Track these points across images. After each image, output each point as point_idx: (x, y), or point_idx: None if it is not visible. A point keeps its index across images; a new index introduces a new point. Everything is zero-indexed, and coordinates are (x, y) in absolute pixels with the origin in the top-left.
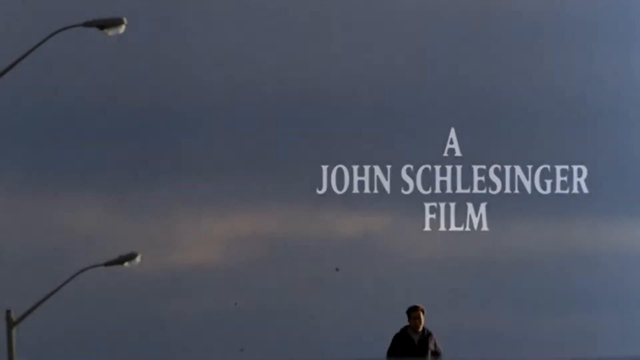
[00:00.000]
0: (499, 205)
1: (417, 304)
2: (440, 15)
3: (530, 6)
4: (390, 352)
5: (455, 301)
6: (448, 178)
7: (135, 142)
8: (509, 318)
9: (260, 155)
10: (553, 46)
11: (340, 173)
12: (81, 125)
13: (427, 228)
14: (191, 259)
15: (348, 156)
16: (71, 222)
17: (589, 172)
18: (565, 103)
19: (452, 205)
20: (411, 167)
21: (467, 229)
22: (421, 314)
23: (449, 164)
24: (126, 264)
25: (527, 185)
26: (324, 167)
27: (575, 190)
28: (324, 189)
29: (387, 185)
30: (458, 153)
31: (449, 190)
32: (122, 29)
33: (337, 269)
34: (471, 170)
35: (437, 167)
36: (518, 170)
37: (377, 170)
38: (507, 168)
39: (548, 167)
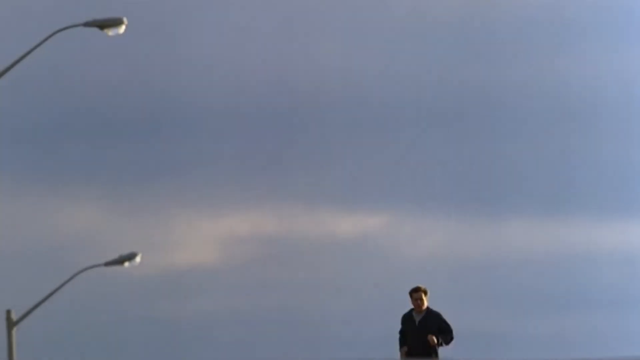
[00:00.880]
0: (498, 205)
1: (419, 285)
2: (440, 16)
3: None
4: (400, 332)
5: (455, 301)
6: (447, 177)
7: (134, 143)
8: (509, 318)
9: (259, 156)
10: (553, 46)
11: (339, 173)
12: (81, 125)
13: (425, 228)
14: (190, 258)
15: (347, 156)
16: (71, 222)
17: (588, 172)
18: (565, 104)
19: (452, 205)
20: (410, 167)
21: (466, 228)
22: (423, 295)
23: (448, 164)
24: (126, 264)
25: (527, 185)
26: (323, 167)
27: (574, 190)
28: (323, 189)
29: (385, 185)
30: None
31: (448, 190)
32: (122, 29)
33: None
34: (471, 170)
35: (437, 167)
36: (518, 170)
37: (376, 170)
38: (507, 168)
39: (547, 167)
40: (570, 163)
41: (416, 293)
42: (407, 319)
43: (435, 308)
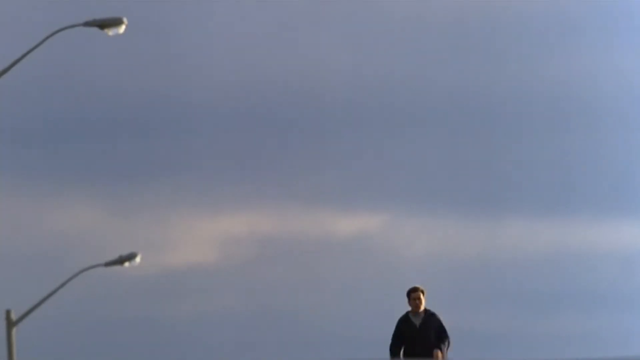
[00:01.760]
0: (497, 205)
1: (416, 285)
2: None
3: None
4: (394, 337)
5: (454, 301)
6: (447, 178)
7: (133, 142)
8: (508, 318)
9: (257, 156)
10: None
11: (337, 173)
12: (81, 125)
13: (424, 227)
14: (188, 259)
15: (345, 156)
16: (70, 223)
17: (587, 172)
18: (564, 103)
19: (450, 204)
20: (409, 166)
21: (465, 228)
22: (421, 294)
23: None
24: (126, 264)
25: (525, 184)
26: (321, 167)
27: (573, 189)
28: (321, 189)
29: (384, 185)
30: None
31: (447, 189)
32: (122, 28)
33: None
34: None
35: (435, 167)
36: (516, 170)
37: (374, 170)
38: (505, 168)
39: (546, 167)
40: (569, 163)
41: (414, 293)
42: (404, 322)
43: (433, 308)
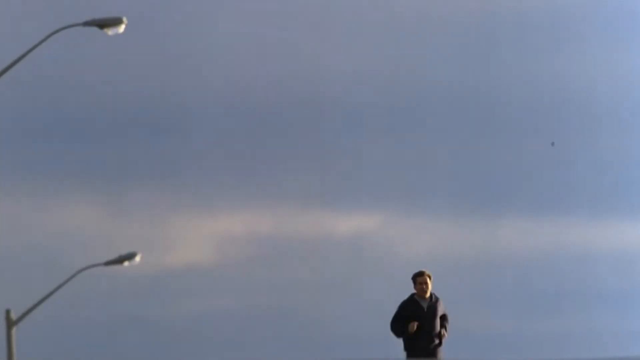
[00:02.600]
0: (494, 205)
1: (423, 269)
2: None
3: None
4: (396, 320)
5: (452, 301)
6: (445, 177)
7: (131, 142)
8: (506, 318)
9: (254, 156)
10: (551, 47)
11: (334, 173)
12: (81, 125)
13: (421, 227)
14: (185, 258)
15: (342, 156)
16: (70, 222)
17: (584, 172)
18: (562, 103)
19: (447, 204)
20: (406, 166)
21: (462, 228)
22: (428, 279)
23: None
24: (126, 263)
25: (523, 184)
26: (318, 167)
27: (571, 189)
28: (318, 189)
29: (381, 185)
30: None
31: (444, 189)
32: (122, 28)
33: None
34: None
35: (432, 167)
36: (514, 169)
37: (372, 170)
38: (503, 168)
39: (544, 166)
40: (567, 162)
41: (421, 277)
42: (410, 304)
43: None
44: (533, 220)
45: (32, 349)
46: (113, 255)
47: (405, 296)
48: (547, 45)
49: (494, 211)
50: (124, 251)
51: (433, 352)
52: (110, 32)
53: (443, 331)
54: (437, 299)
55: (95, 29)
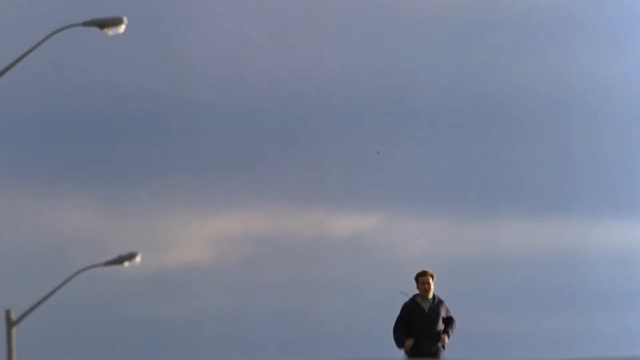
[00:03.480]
0: (493, 205)
1: (426, 269)
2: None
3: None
4: (398, 323)
5: (450, 301)
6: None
7: (129, 142)
8: (505, 318)
9: (252, 156)
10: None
11: (332, 173)
12: (80, 125)
13: (419, 227)
14: (182, 258)
15: (340, 156)
16: (69, 222)
17: (582, 171)
18: (560, 103)
19: (446, 204)
20: (404, 166)
21: (461, 228)
22: (430, 279)
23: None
24: (126, 263)
25: (521, 184)
26: (316, 167)
27: (569, 189)
28: (316, 189)
29: (379, 185)
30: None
31: (442, 189)
32: (122, 28)
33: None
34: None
35: (430, 166)
36: (512, 169)
37: (370, 169)
38: (501, 168)
39: (542, 166)
40: (565, 162)
41: (423, 277)
42: (411, 306)
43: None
44: (532, 220)
45: (32, 349)
46: (112, 255)
47: (398, 295)
48: (547, 45)
49: (493, 211)
50: (121, 251)
51: (434, 354)
52: (110, 32)
53: (444, 337)
54: (440, 301)
55: (95, 29)
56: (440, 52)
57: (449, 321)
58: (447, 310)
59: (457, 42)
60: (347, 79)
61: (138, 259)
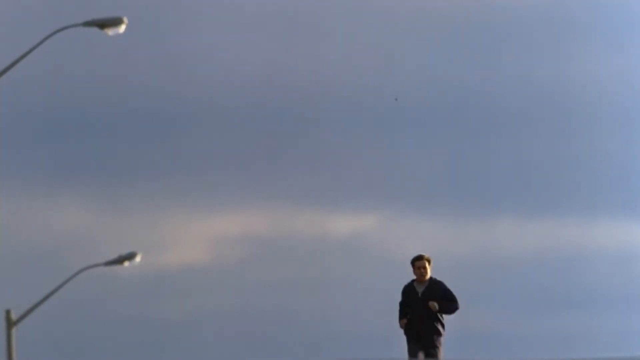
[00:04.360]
0: (491, 205)
1: (422, 254)
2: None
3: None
4: (400, 305)
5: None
6: (440, 177)
7: (128, 143)
8: (503, 317)
9: (250, 156)
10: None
11: (330, 173)
12: (80, 126)
13: (417, 227)
14: (181, 259)
15: (338, 156)
16: (69, 223)
17: (579, 171)
18: (559, 103)
19: (443, 204)
20: (401, 166)
21: (458, 228)
22: (427, 263)
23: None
24: (126, 263)
25: (518, 184)
26: (314, 167)
27: (567, 188)
28: (314, 189)
29: (377, 185)
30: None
31: (440, 189)
32: (122, 28)
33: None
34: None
35: (428, 166)
36: (510, 169)
37: (367, 169)
38: (499, 167)
39: (540, 166)
40: (564, 161)
41: (419, 261)
42: (408, 290)
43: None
44: (530, 220)
45: (32, 349)
46: (112, 255)
47: (398, 294)
48: (544, 43)
49: (491, 211)
50: (119, 251)
51: (429, 338)
52: (110, 32)
53: (432, 303)
54: (435, 283)
55: (95, 29)
56: (439, 52)
57: (447, 300)
58: (446, 292)
59: (455, 41)
60: (346, 79)
61: (138, 259)
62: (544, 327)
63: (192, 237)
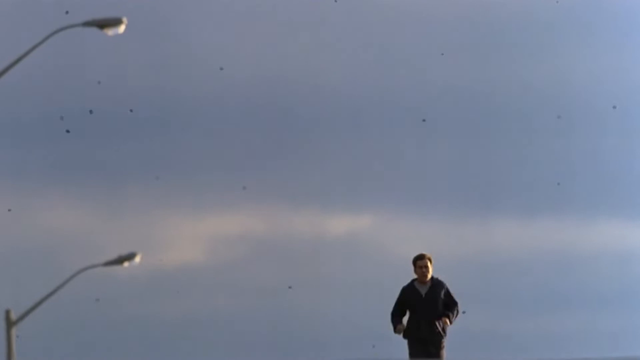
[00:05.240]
0: (488, 205)
1: (423, 253)
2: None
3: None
4: (395, 307)
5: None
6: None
7: (127, 143)
8: (501, 318)
9: (247, 156)
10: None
11: (327, 173)
12: (79, 126)
13: (415, 227)
14: (178, 258)
15: (335, 156)
16: (69, 223)
17: (578, 171)
18: (557, 103)
19: (441, 204)
20: (399, 166)
21: (456, 228)
22: (428, 262)
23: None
24: (126, 263)
25: (516, 184)
26: (311, 167)
27: (564, 189)
28: (311, 189)
29: (375, 184)
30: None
31: (438, 189)
32: (122, 28)
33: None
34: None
35: (426, 167)
36: (508, 169)
37: (365, 169)
38: (497, 168)
39: (539, 166)
40: (563, 161)
41: (421, 260)
42: (409, 291)
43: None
44: (528, 220)
45: (32, 349)
46: (111, 255)
47: (396, 293)
48: (547, 45)
49: (489, 211)
50: (117, 252)
51: (432, 341)
52: (110, 32)
53: (445, 320)
54: (438, 283)
55: (95, 29)
56: (437, 52)
57: (449, 304)
58: (448, 293)
59: (453, 41)
60: (344, 79)
61: (138, 259)
62: (543, 327)
63: (188, 237)
